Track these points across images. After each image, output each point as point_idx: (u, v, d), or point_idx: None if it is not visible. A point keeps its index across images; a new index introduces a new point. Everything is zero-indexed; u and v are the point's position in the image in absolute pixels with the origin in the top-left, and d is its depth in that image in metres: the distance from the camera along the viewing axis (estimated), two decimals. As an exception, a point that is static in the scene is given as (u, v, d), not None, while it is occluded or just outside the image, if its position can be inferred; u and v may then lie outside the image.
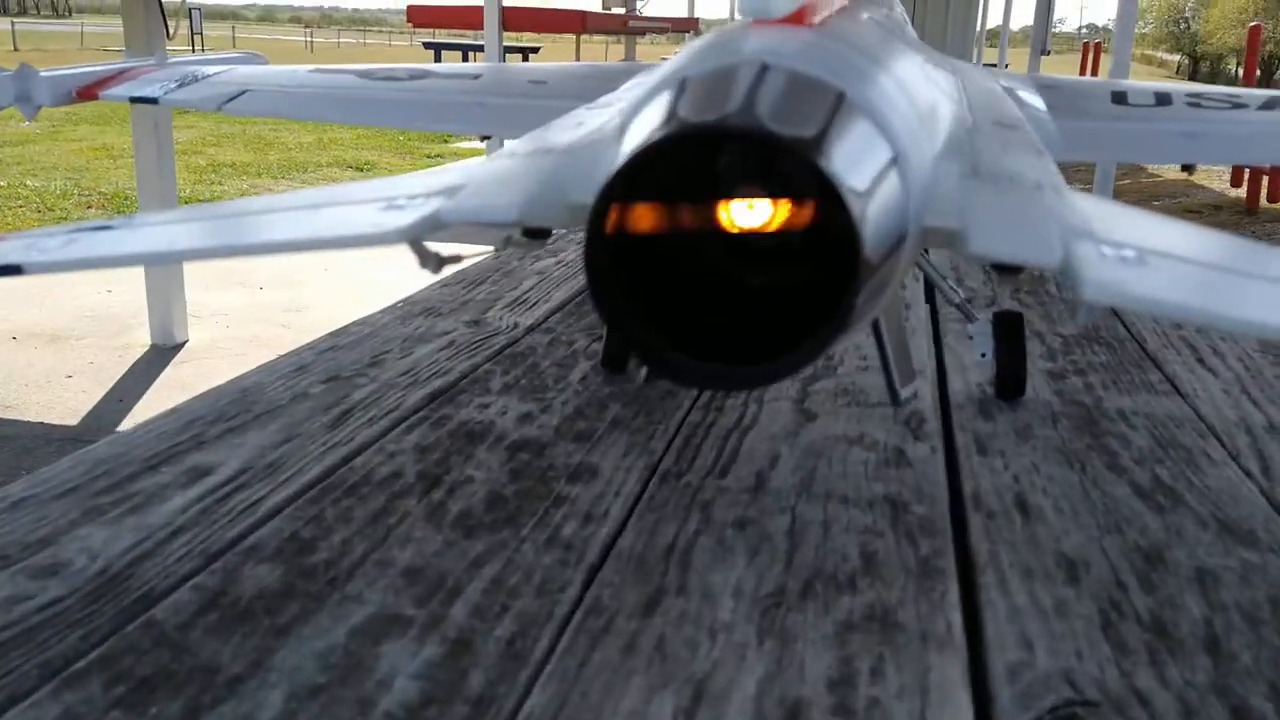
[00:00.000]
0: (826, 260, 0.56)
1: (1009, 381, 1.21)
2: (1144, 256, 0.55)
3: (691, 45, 0.72)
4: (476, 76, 1.26)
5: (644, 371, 0.98)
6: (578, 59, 7.94)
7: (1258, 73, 9.18)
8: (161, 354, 3.82)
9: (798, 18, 0.67)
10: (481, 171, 0.67)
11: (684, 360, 0.57)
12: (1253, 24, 10.05)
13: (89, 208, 6.07)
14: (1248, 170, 6.78)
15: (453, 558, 0.83)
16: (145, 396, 3.44)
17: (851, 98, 0.59)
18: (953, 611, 0.78)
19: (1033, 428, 1.15)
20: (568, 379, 1.28)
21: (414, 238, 0.59)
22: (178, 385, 3.54)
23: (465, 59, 8.21)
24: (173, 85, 1.19)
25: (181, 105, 1.15)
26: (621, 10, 7.92)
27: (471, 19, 5.79)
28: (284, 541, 0.85)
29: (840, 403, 1.21)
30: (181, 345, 3.90)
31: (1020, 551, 0.87)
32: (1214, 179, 7.83)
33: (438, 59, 8.11)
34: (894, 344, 0.93)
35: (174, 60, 1.33)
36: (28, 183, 6.60)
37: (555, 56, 9.36)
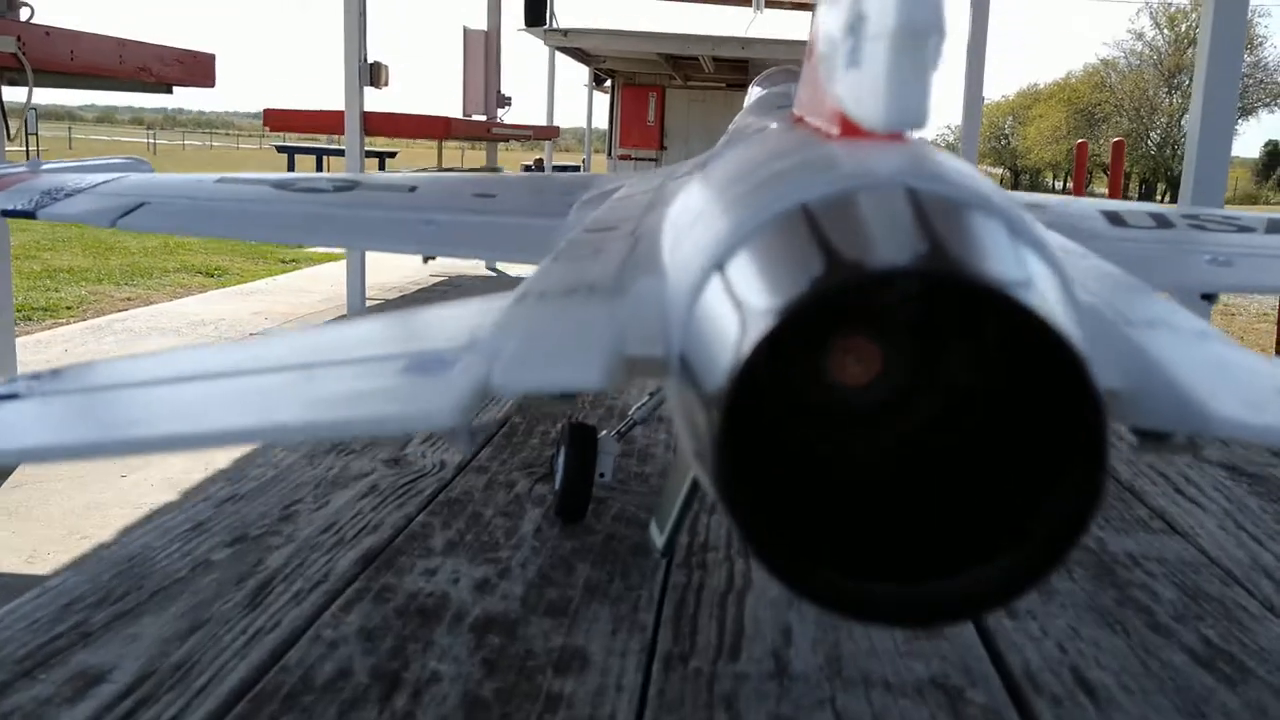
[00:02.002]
0: (1049, 437, 0.42)
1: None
2: None
3: (761, 163, 0.59)
4: (412, 188, 1.10)
5: (664, 542, 0.84)
6: (439, 164, 7.83)
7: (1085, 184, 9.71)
8: (-10, 479, 3.44)
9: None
10: (520, 321, 0.52)
11: (875, 587, 0.42)
12: (1080, 141, 10.71)
13: (-93, 317, 5.56)
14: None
15: (442, 798, 0.65)
16: (-29, 530, 3.07)
17: (1017, 228, 0.47)
18: (1073, 844, 0.64)
19: (1050, 579, 1.03)
20: (520, 532, 1.11)
21: (466, 420, 0.43)
22: (9, 512, 3.18)
23: (320, 164, 8.01)
24: (52, 197, 0.99)
25: (66, 220, 0.96)
26: (484, 117, 7.88)
27: (332, 123, 5.62)
28: (216, 786, 0.65)
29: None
30: (14, 467, 3.53)
31: (1108, 748, 0.74)
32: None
33: (291, 163, 7.88)
34: None
35: (49, 167, 1.13)
36: None
37: (413, 161, 9.23)
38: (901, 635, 0.90)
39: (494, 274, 4.59)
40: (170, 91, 4.10)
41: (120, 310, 6.12)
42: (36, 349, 4.43)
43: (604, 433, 1.13)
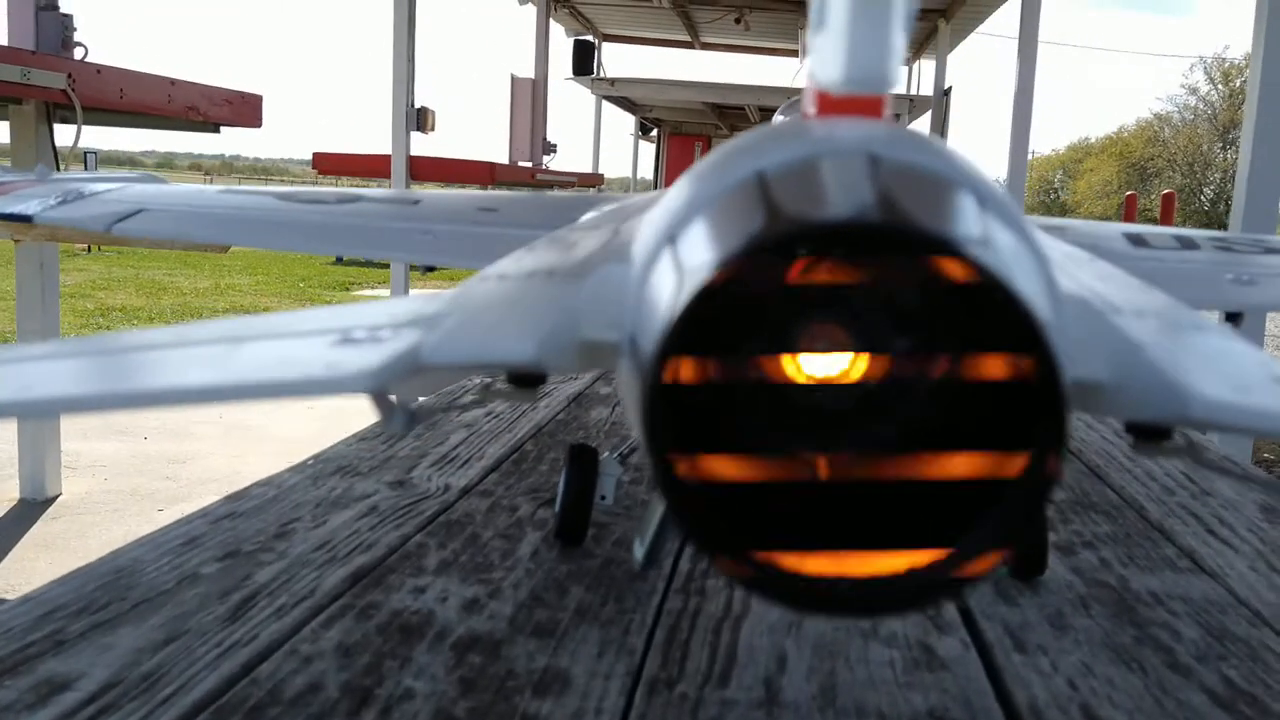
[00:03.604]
0: (1001, 423, 0.39)
1: (1030, 559, 1.05)
2: None
3: (735, 145, 0.56)
4: (415, 202, 1.10)
5: (644, 552, 0.81)
6: (485, 209, 7.88)
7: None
8: (30, 509, 3.48)
9: (876, 108, 0.52)
10: (468, 298, 0.50)
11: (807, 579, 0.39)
12: (1129, 193, 10.59)
13: (-41, 350, 5.68)
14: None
15: (395, 815, 0.62)
16: (9, 557, 3.10)
17: (989, 202, 0.44)
18: None
19: (1065, 615, 0.99)
20: (516, 554, 1.08)
21: (383, 385, 0.41)
22: (46, 544, 3.21)
23: (370, 207, 8.10)
24: (53, 202, 0.99)
25: (62, 224, 0.96)
26: (529, 163, 7.94)
27: (378, 167, 5.69)
28: (162, 795, 0.63)
29: (839, 585, 1.03)
30: (54, 499, 3.56)
31: (1113, 787, 0.70)
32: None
33: (341, 206, 7.96)
34: None
35: (58, 176, 1.14)
36: (-107, 323, 6.20)
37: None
38: (901, 666, 0.86)
39: None
40: (218, 130, 4.17)
41: (166, 347, 6.18)
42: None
43: (606, 454, 1.10)
